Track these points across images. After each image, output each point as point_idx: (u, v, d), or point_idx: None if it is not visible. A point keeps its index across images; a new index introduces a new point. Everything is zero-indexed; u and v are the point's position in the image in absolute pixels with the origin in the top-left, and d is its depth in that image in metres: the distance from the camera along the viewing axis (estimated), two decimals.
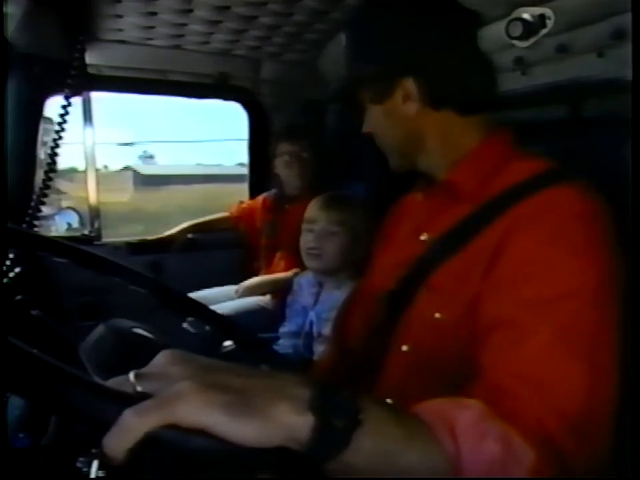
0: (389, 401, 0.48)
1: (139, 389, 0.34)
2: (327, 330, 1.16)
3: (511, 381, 0.50)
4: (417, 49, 0.69)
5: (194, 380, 0.34)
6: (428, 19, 0.70)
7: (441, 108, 0.71)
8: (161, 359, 0.37)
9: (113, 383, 0.36)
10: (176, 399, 0.32)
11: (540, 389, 0.49)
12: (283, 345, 1.32)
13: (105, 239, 1.87)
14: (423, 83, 0.69)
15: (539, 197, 0.60)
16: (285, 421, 0.34)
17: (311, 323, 1.28)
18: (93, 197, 1.84)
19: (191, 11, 1.34)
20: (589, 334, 0.52)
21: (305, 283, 1.36)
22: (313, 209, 1.31)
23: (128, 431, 0.31)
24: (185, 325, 1.50)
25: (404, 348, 0.69)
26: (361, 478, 0.38)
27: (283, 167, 1.82)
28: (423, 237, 0.72)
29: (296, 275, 1.48)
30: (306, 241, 1.29)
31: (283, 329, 1.35)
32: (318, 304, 1.29)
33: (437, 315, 0.64)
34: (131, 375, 0.35)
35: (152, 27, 1.45)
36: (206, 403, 0.33)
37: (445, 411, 0.44)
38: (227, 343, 1.04)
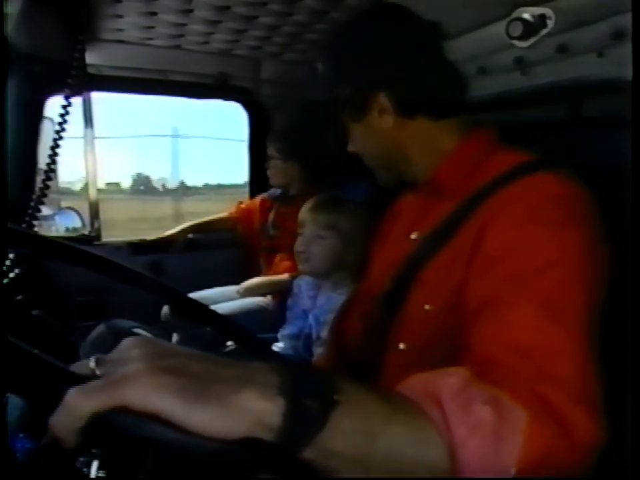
0: None
1: (98, 373, 0.33)
2: (325, 333, 1.15)
3: (498, 351, 0.49)
4: (385, 64, 0.73)
5: (147, 362, 0.33)
6: (393, 36, 0.73)
7: (415, 116, 0.74)
8: (124, 344, 0.36)
9: (74, 367, 0.35)
10: (124, 381, 0.31)
11: (528, 355, 0.48)
12: (283, 348, 1.32)
13: (105, 239, 1.87)
14: (395, 95, 0.72)
15: (518, 184, 0.61)
16: (252, 407, 0.33)
17: (310, 326, 1.28)
18: (92, 197, 1.84)
19: (191, 11, 1.34)
20: (571, 302, 0.52)
21: (304, 285, 1.36)
22: (303, 212, 1.28)
23: (72, 411, 0.30)
24: (163, 312, 1.51)
25: (401, 346, 0.69)
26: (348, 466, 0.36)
27: (269, 166, 1.82)
28: (413, 236, 0.74)
29: (293, 276, 1.48)
30: (297, 244, 1.28)
31: (283, 332, 1.35)
32: (316, 307, 1.29)
33: (427, 307, 0.65)
34: (92, 360, 0.34)
35: (152, 27, 1.45)
36: (157, 385, 0.31)
37: (428, 382, 0.43)
38: (228, 343, 1.04)
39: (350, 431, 0.36)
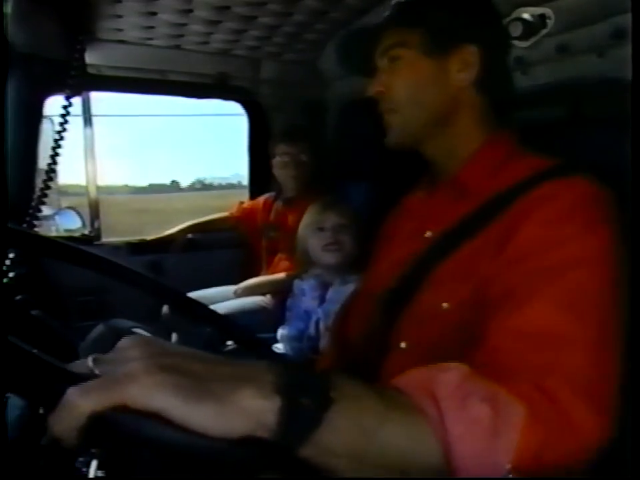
0: None
1: (96, 372, 0.33)
2: None
3: (509, 340, 0.49)
4: (490, 25, 0.72)
5: (146, 361, 0.33)
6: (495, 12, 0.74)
7: (486, 91, 0.70)
8: (122, 344, 0.36)
9: (72, 366, 0.35)
10: (124, 379, 0.32)
11: (539, 347, 0.48)
12: (282, 349, 1.32)
13: (105, 239, 1.87)
14: (487, 58, 0.69)
15: (546, 187, 0.61)
16: (249, 405, 0.33)
17: (317, 324, 1.28)
18: (92, 197, 1.85)
19: (191, 11, 1.34)
20: (593, 300, 0.51)
21: (307, 287, 1.35)
22: (316, 212, 1.34)
23: (72, 410, 0.30)
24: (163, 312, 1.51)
25: (402, 345, 0.68)
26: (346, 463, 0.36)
27: (280, 167, 1.82)
28: (427, 234, 0.72)
29: (291, 276, 1.48)
30: (319, 239, 1.31)
31: (283, 332, 1.34)
32: (326, 302, 1.30)
33: (445, 305, 0.63)
34: (89, 359, 0.34)
35: (152, 27, 1.45)
36: (157, 384, 0.32)
37: (425, 378, 0.43)
38: (228, 343, 1.04)
39: (345, 428, 0.36)
